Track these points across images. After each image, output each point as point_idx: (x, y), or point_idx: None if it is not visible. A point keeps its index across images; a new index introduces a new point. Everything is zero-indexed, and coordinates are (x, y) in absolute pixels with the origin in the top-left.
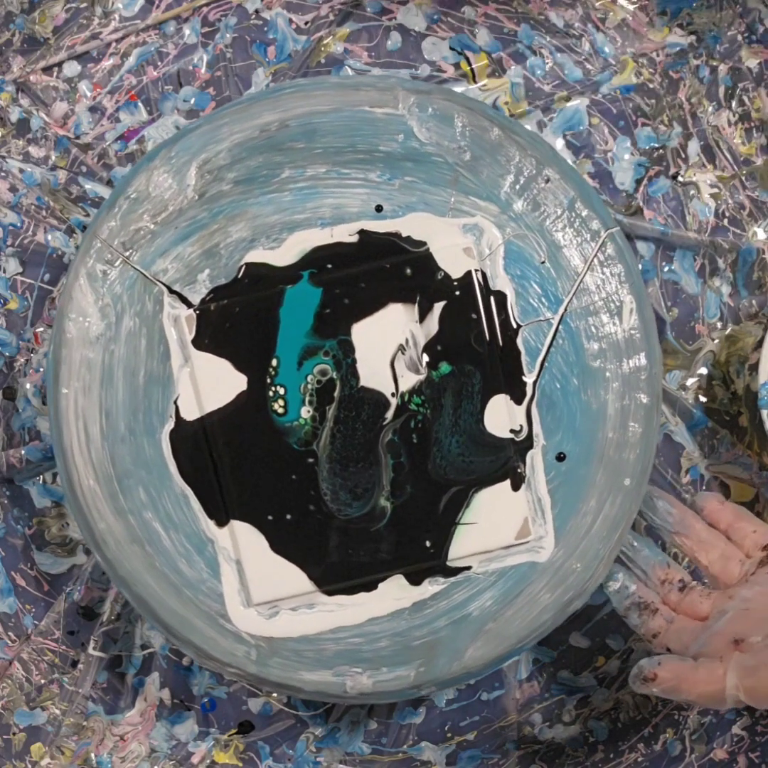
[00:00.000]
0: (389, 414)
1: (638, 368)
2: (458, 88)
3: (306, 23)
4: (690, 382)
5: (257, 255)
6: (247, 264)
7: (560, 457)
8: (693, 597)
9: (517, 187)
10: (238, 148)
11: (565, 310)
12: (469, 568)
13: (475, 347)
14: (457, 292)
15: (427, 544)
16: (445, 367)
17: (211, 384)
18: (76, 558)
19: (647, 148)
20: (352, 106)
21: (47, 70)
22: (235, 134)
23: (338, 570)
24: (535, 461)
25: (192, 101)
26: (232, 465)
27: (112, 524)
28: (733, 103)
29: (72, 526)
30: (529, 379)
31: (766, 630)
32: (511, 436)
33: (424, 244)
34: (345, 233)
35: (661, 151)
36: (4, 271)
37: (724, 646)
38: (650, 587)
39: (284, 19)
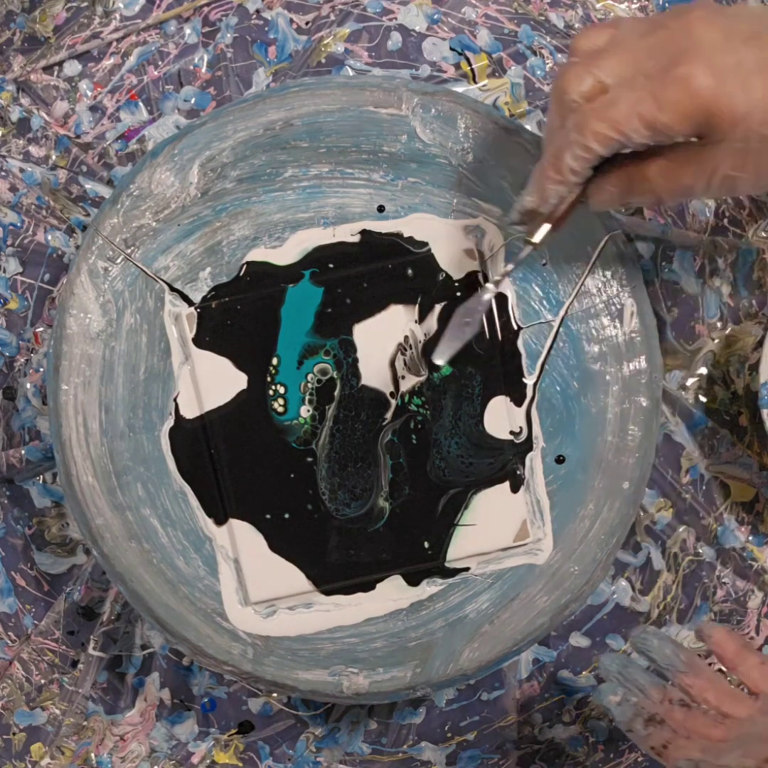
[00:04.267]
0: (389, 414)
1: (638, 371)
2: (459, 89)
3: (307, 23)
4: (690, 382)
5: (259, 253)
6: (248, 262)
7: (559, 460)
8: (705, 720)
9: (520, 189)
10: (243, 146)
11: (566, 312)
12: (467, 569)
13: (476, 349)
14: (459, 294)
15: (426, 545)
16: (445, 369)
17: (211, 382)
18: (76, 558)
19: None
20: (357, 106)
21: (48, 69)
22: (240, 132)
23: (336, 570)
24: (535, 464)
25: (192, 101)
26: (230, 463)
27: (110, 520)
28: None
29: (72, 526)
30: (529, 381)
31: None
32: (511, 438)
33: (425, 245)
34: (347, 233)
35: None
36: (4, 271)
37: (756, 766)
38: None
39: (285, 19)
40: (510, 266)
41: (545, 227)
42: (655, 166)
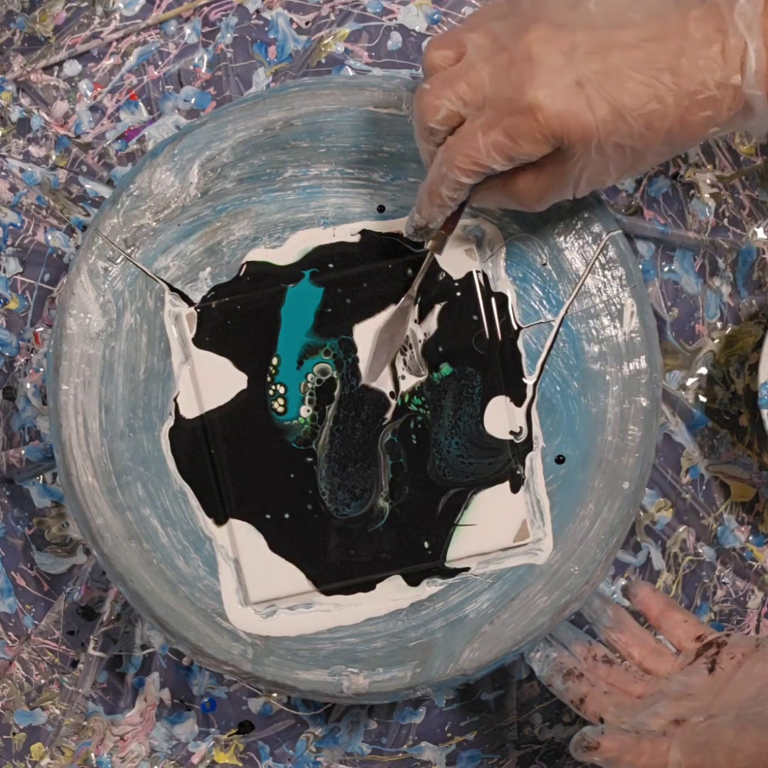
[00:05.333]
0: (389, 414)
1: (638, 372)
2: None
3: (307, 23)
4: (690, 382)
5: (259, 253)
6: (248, 262)
7: (559, 460)
8: (626, 677)
9: None
10: (243, 146)
11: (566, 312)
12: (467, 569)
13: (476, 349)
14: (459, 293)
15: (426, 545)
16: (445, 369)
17: (211, 382)
18: (76, 558)
19: None
20: (357, 106)
21: (48, 69)
22: (240, 132)
23: (336, 570)
24: (535, 464)
25: (192, 101)
26: (230, 463)
27: (110, 520)
28: None
29: (72, 526)
30: (529, 381)
31: (709, 712)
32: (511, 438)
33: None
34: (347, 233)
35: None
36: (4, 271)
37: (664, 724)
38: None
39: (285, 19)
40: (418, 279)
41: (441, 236)
42: (523, 182)
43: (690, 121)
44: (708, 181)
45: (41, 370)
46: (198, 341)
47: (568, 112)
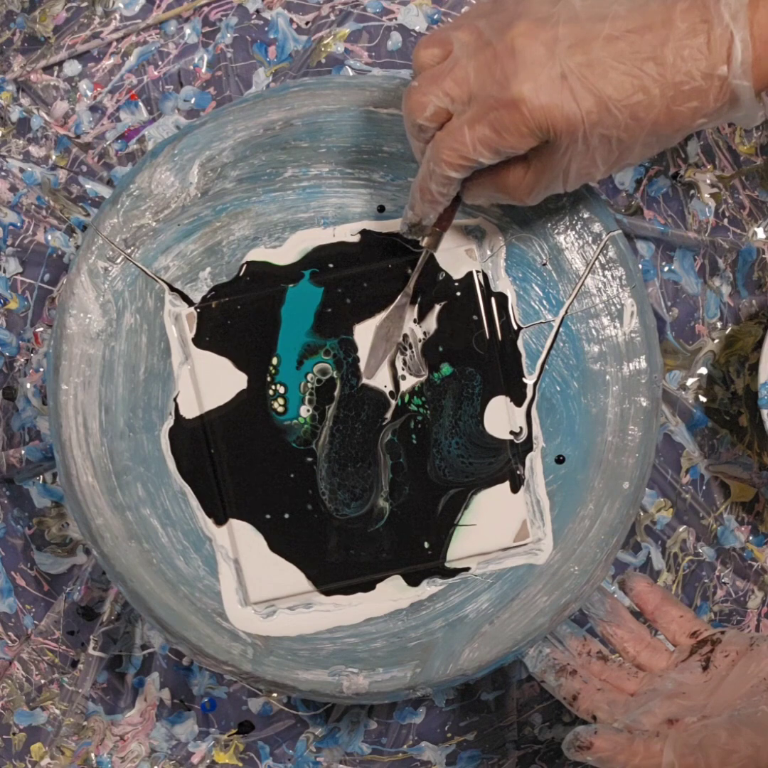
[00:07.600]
0: (389, 414)
1: (638, 372)
2: None
3: (307, 23)
4: (690, 382)
5: (259, 253)
6: (248, 262)
7: (559, 460)
8: (620, 673)
9: None
10: (243, 146)
11: (566, 312)
12: (467, 569)
13: (476, 349)
14: (459, 293)
15: (426, 545)
16: (446, 369)
17: (211, 382)
18: (76, 558)
19: None
20: (357, 106)
21: (48, 69)
22: (240, 132)
23: (336, 570)
24: (535, 464)
25: (192, 101)
26: (230, 463)
27: (110, 520)
28: None
29: (72, 526)
30: (529, 381)
31: (702, 712)
32: (511, 438)
33: None
34: (347, 233)
35: None
36: (4, 271)
37: (657, 724)
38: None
39: (285, 19)
40: (414, 276)
41: (435, 233)
42: (513, 176)
43: (676, 112)
44: (708, 181)
45: (41, 370)
46: (198, 341)
47: (552, 105)
